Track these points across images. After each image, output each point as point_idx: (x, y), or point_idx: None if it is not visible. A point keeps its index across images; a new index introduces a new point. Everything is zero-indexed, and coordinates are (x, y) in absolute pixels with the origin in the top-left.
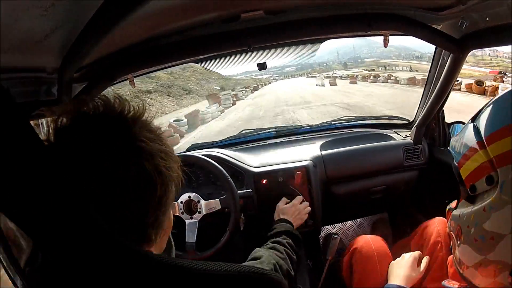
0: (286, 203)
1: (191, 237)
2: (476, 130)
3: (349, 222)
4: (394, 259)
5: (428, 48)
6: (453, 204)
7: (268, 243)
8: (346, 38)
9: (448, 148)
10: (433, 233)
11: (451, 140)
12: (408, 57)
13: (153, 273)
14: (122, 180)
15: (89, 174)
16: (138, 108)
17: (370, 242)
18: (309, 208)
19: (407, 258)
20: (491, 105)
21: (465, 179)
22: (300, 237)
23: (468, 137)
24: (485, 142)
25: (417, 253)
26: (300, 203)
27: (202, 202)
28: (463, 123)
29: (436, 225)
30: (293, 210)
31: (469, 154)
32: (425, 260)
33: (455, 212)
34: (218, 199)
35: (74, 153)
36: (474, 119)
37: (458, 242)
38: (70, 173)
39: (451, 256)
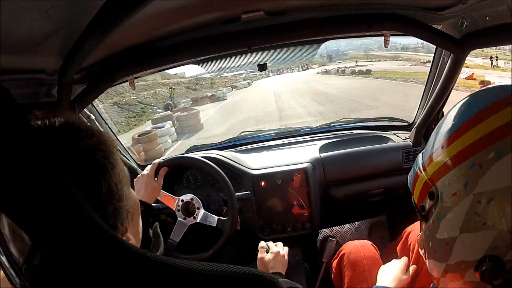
0: (264, 251)
1: (175, 236)
2: (419, 158)
3: (347, 225)
4: (385, 263)
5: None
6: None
7: None
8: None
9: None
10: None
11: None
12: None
13: (149, 273)
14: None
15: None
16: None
17: (359, 247)
18: (287, 250)
19: (396, 262)
20: (433, 134)
21: (417, 202)
22: None
23: (414, 166)
24: (425, 165)
25: (405, 259)
26: (276, 246)
27: (202, 210)
28: None
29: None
30: (279, 260)
31: (415, 180)
32: (412, 268)
33: (418, 237)
34: (217, 218)
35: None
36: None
37: (426, 261)
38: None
39: None
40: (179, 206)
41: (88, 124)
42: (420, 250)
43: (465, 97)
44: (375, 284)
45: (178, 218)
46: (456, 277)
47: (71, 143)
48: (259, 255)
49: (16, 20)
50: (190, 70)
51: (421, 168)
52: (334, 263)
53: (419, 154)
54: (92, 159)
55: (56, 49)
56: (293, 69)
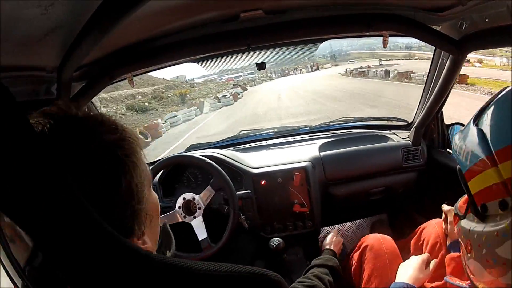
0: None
1: (201, 234)
2: (482, 137)
3: (348, 223)
4: None
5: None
6: (461, 207)
7: (310, 276)
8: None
9: (451, 151)
10: (431, 234)
11: (454, 140)
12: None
13: (154, 273)
14: (81, 179)
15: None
16: (83, 109)
17: (381, 240)
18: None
19: (416, 259)
20: (495, 107)
21: (475, 195)
22: (340, 274)
23: (474, 144)
24: (495, 157)
25: (426, 255)
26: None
27: (197, 197)
28: (462, 124)
29: (435, 226)
30: (340, 245)
31: (478, 168)
32: (433, 263)
33: (464, 225)
34: (208, 186)
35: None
36: (477, 120)
37: (468, 255)
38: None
39: (449, 255)
40: (182, 213)
41: (112, 118)
42: (461, 240)
43: None
44: (394, 278)
45: (191, 222)
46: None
47: (91, 136)
48: (332, 233)
49: (15, 17)
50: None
51: (489, 158)
52: (355, 255)
53: (474, 125)
54: (112, 156)
55: (55, 46)
56: (300, 70)
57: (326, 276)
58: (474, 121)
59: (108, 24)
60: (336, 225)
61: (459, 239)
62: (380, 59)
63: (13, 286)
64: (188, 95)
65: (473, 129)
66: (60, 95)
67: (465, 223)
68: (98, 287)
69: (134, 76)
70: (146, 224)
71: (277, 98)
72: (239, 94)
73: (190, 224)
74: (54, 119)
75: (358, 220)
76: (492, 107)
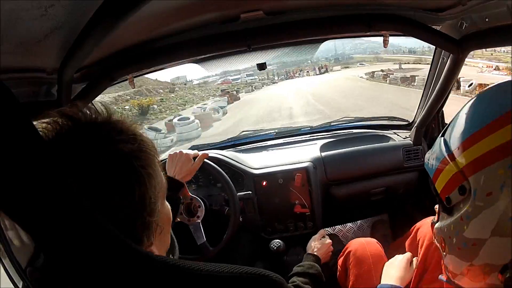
0: (323, 237)
1: (200, 237)
2: (445, 143)
3: (349, 224)
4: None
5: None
6: (435, 218)
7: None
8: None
9: (424, 165)
10: (427, 234)
11: (425, 156)
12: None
13: (156, 274)
14: (95, 187)
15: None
16: (102, 112)
17: (365, 245)
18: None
19: (400, 259)
20: (458, 118)
21: (440, 193)
22: (323, 281)
23: (438, 151)
24: (454, 154)
25: (408, 254)
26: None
27: (203, 209)
28: None
29: (430, 226)
30: (326, 248)
31: (441, 167)
32: (414, 261)
33: (437, 225)
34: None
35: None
36: (444, 133)
37: (444, 253)
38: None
39: None
40: (181, 209)
41: (133, 126)
42: (435, 241)
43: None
44: (380, 281)
45: (189, 225)
46: (477, 277)
47: (108, 144)
48: (315, 236)
49: (16, 18)
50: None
51: (449, 156)
52: (340, 261)
53: (440, 137)
54: (128, 166)
55: (55, 48)
56: (307, 72)
57: (307, 286)
58: (441, 135)
59: (108, 25)
60: (337, 226)
61: (436, 243)
62: (400, 63)
63: (13, 287)
64: (155, 106)
65: (439, 140)
66: (61, 96)
67: (437, 225)
68: (100, 286)
69: (135, 77)
70: (156, 235)
71: (284, 115)
72: (217, 112)
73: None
74: (73, 121)
75: (359, 221)
76: (456, 119)
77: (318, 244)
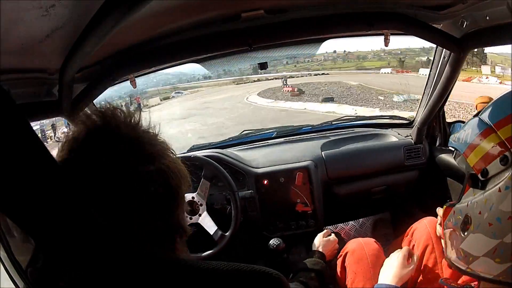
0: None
1: (211, 228)
2: (482, 121)
3: (351, 222)
4: None
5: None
6: (444, 214)
7: (295, 282)
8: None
9: (449, 144)
10: (422, 236)
11: (452, 136)
12: None
13: (160, 271)
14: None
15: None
16: (129, 113)
17: (363, 244)
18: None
19: (395, 256)
20: (497, 100)
21: (474, 166)
22: (326, 277)
23: (473, 127)
24: (494, 127)
25: (405, 249)
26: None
27: (195, 195)
28: (463, 122)
29: (426, 226)
30: (331, 246)
31: (477, 141)
32: (415, 257)
33: (460, 205)
34: (202, 179)
35: (85, 171)
36: (478, 114)
37: (465, 234)
38: (81, 185)
39: None
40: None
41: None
42: (450, 220)
43: None
44: (379, 281)
45: (195, 221)
46: (504, 258)
47: (148, 162)
48: (321, 233)
49: (17, 19)
50: None
51: (489, 129)
52: (339, 261)
53: (474, 117)
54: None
55: (56, 48)
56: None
57: (312, 281)
58: (475, 116)
59: (110, 25)
60: (339, 224)
61: (447, 227)
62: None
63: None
64: None
65: (473, 120)
66: (62, 96)
67: (461, 204)
68: (109, 285)
69: (136, 77)
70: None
71: None
72: None
73: (196, 224)
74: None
75: (361, 219)
76: (495, 101)
77: (323, 241)
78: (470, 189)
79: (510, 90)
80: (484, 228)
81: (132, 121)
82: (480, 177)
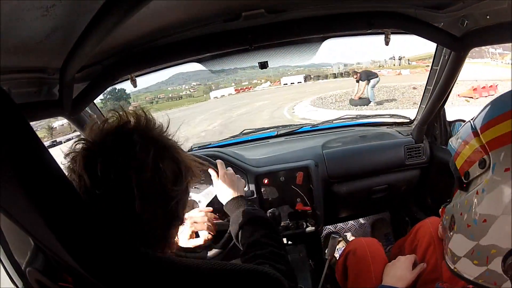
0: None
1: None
2: (471, 125)
3: (351, 222)
4: (391, 260)
5: None
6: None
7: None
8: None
9: (448, 147)
10: (425, 235)
11: (450, 139)
12: None
13: (155, 271)
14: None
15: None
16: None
17: (364, 244)
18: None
19: (402, 260)
20: (487, 104)
21: (460, 169)
22: (266, 217)
23: (464, 131)
24: (478, 131)
25: (412, 256)
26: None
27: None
28: (464, 121)
29: (429, 227)
30: (230, 180)
31: (464, 144)
32: (420, 265)
33: (449, 205)
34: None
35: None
36: (472, 118)
37: (451, 233)
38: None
39: None
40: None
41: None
42: (444, 221)
43: None
44: (380, 280)
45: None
46: (481, 261)
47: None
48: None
49: (17, 18)
50: None
51: (474, 133)
52: (340, 261)
53: (469, 121)
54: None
55: (57, 47)
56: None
57: (262, 235)
58: (470, 119)
59: (110, 25)
60: (339, 224)
61: (442, 227)
62: None
63: (13, 287)
64: None
65: (467, 124)
66: (63, 96)
67: (450, 204)
68: (109, 283)
69: (137, 76)
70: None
71: None
72: None
73: None
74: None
75: (360, 219)
76: (487, 106)
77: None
78: (458, 191)
79: (501, 94)
80: (464, 229)
81: (153, 124)
82: (463, 180)
